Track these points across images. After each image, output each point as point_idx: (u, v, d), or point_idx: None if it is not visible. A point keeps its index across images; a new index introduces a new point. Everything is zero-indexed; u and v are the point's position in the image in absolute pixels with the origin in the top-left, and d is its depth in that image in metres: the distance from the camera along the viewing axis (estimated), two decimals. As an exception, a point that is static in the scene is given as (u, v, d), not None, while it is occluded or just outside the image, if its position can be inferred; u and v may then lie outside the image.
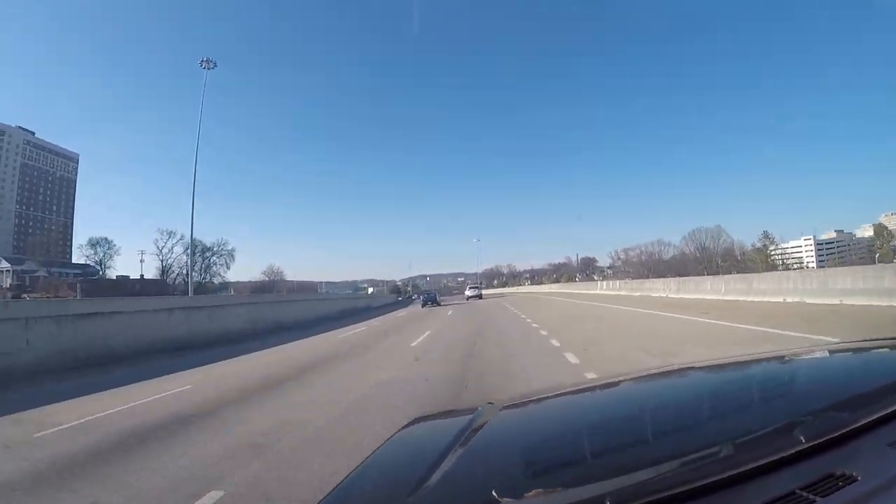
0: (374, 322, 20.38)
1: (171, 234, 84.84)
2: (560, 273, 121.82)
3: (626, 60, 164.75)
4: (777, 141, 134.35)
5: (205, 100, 27.31)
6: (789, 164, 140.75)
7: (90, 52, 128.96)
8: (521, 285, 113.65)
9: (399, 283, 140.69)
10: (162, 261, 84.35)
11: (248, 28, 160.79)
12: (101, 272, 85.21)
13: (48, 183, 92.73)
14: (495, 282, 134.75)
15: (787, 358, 1.54)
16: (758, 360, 1.53)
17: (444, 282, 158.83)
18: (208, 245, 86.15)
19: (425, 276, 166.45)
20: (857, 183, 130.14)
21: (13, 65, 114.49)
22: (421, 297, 41.73)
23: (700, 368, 1.53)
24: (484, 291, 58.92)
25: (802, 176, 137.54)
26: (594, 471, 0.78)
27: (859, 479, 0.66)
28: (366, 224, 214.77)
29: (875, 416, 0.80)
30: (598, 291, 29.43)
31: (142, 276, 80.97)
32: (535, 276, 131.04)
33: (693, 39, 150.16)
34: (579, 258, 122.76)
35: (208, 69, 27.44)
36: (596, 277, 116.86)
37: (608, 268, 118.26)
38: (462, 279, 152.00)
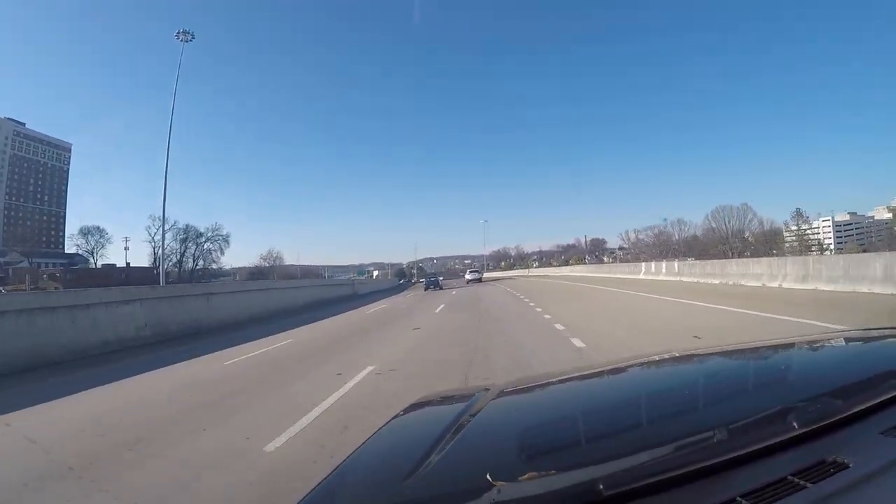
0: (322, 325, 13.46)
1: (162, 220, 79.19)
2: (569, 255, 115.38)
3: (635, 44, 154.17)
4: (784, 126, 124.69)
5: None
6: (800, 149, 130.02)
7: (80, 42, 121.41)
8: (529, 267, 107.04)
9: (404, 267, 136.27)
10: (154, 248, 78.23)
11: (247, 10, 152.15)
12: (94, 261, 79.96)
13: (39, 174, 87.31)
14: (503, 263, 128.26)
15: (782, 345, 1.51)
16: (754, 348, 1.51)
17: (452, 264, 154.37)
18: (201, 230, 80.00)
19: (432, 259, 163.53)
20: (861, 167, 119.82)
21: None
22: (423, 281, 42.09)
23: (696, 355, 1.49)
24: (491, 274, 60.72)
25: (811, 160, 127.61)
26: (588, 455, 0.77)
27: (851, 465, 0.65)
28: (372, 208, 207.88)
29: (868, 404, 0.79)
30: (643, 277, 21.09)
31: (128, 264, 75.21)
32: (543, 258, 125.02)
33: (694, 28, 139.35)
34: (587, 240, 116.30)
35: (185, 41, 24.34)
36: (606, 259, 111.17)
37: (618, 249, 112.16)
38: (469, 261, 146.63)
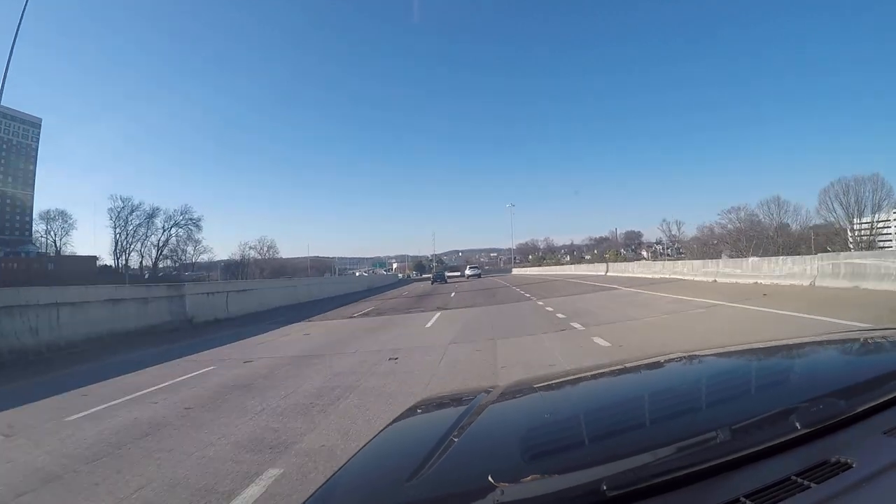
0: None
1: (126, 200, 61.82)
2: (602, 248, 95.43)
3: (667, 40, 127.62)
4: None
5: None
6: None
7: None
8: (560, 263, 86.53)
9: (423, 260, 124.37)
10: (117, 234, 61.04)
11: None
12: (57, 249, 64.57)
13: (2, 152, 72.56)
14: (530, 257, 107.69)
15: (785, 346, 1.47)
16: (756, 349, 1.45)
17: (477, 257, 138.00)
18: (170, 213, 62.25)
19: (458, 252, 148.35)
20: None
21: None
22: (430, 277, 43.76)
23: (699, 356, 1.43)
24: (521, 271, 51.96)
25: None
26: (591, 456, 0.74)
27: (854, 466, 0.62)
28: (396, 201, 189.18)
29: (871, 404, 0.76)
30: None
31: (58, 251, 59.00)
32: (574, 252, 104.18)
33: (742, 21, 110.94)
34: (619, 233, 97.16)
35: None
36: (644, 254, 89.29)
37: (656, 243, 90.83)
38: (495, 254, 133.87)
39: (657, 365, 1.40)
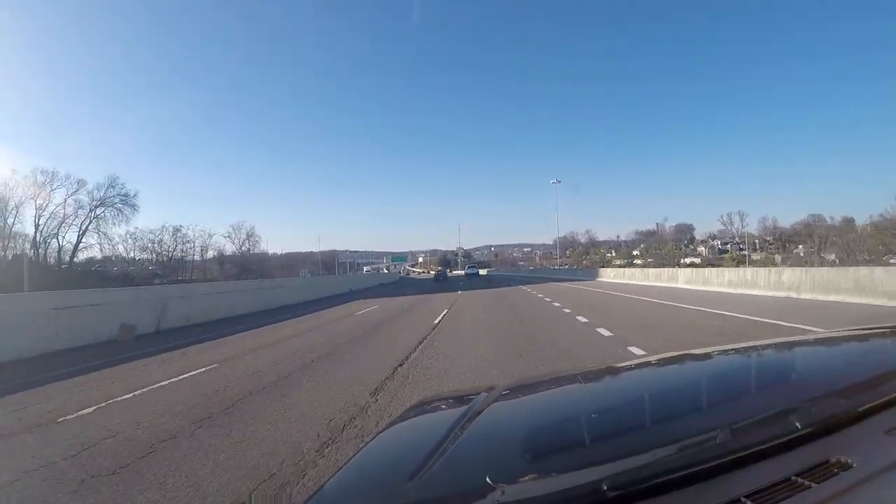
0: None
1: (51, 175, 45.20)
2: (649, 243, 78.24)
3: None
4: None
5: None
6: None
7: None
8: (606, 262, 65.18)
9: (449, 255, 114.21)
10: (37, 218, 44.50)
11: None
12: None
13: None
14: (569, 252, 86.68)
15: (785, 345, 1.44)
16: (757, 348, 1.40)
17: (510, 252, 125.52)
18: (92, 187, 43.83)
19: (490, 247, 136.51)
20: None
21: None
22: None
23: (699, 355, 1.42)
24: (617, 276, 24.21)
25: None
26: (591, 456, 0.72)
27: (855, 465, 0.61)
28: (428, 186, 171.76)
29: (872, 404, 0.74)
30: None
31: None
32: (621, 247, 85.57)
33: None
34: (668, 226, 79.98)
35: None
36: (701, 250, 72.16)
37: (711, 238, 76.39)
38: (528, 249, 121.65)
39: (657, 364, 1.37)
